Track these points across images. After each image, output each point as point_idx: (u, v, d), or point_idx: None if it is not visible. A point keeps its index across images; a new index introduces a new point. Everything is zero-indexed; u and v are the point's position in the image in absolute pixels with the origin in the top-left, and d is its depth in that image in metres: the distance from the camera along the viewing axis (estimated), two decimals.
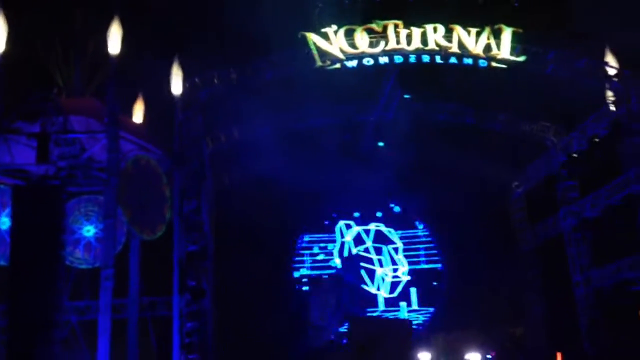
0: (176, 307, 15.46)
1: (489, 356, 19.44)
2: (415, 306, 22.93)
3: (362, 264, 23.12)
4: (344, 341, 17.72)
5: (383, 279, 23.03)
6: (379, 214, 23.67)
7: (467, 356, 18.31)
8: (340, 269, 22.48)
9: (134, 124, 16.63)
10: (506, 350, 19.52)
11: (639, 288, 17.14)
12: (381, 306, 22.70)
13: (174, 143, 16.00)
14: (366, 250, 23.37)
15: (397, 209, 23.27)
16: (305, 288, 21.95)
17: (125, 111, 16.18)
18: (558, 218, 20.42)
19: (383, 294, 22.92)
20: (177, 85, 16.13)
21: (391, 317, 21.28)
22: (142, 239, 15.69)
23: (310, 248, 22.86)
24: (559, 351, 16.36)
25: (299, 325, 19.04)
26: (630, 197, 17.08)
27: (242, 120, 19.22)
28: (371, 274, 23.09)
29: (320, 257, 22.86)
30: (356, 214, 23.48)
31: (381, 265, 23.22)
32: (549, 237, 21.14)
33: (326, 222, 23.22)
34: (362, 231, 23.43)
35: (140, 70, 16.18)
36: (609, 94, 17.80)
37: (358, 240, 23.42)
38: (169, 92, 16.05)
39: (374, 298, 22.86)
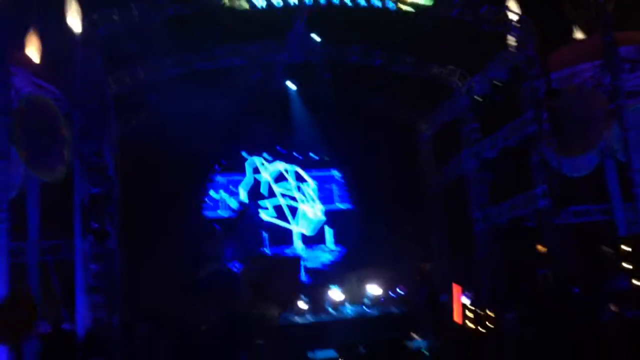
0: (79, 249, 15.33)
1: (399, 290, 20.19)
2: (331, 246, 23.42)
3: (283, 201, 23.30)
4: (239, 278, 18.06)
5: (304, 217, 23.34)
6: (293, 154, 23.74)
7: (370, 289, 19.01)
8: (249, 207, 22.52)
9: (31, 62, 15.91)
10: (416, 285, 20.27)
11: (531, 224, 18.16)
12: (299, 245, 22.99)
13: (74, 83, 15.51)
14: (286, 188, 23.54)
15: (308, 149, 23.30)
16: (215, 227, 21.88)
17: (21, 49, 15.47)
18: (461, 159, 21.22)
19: (304, 231, 23.22)
20: (75, 22, 15.49)
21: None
22: (42, 181, 15.31)
23: (222, 188, 22.80)
24: (459, 284, 17.26)
25: (206, 264, 19.18)
26: (526, 138, 17.89)
27: (147, 61, 18.71)
28: (293, 211, 23.32)
29: (231, 196, 22.79)
30: (266, 155, 23.45)
31: (311, 201, 23.52)
32: (454, 178, 21.97)
33: (237, 162, 23.10)
34: (283, 169, 23.53)
35: (35, 4, 15.42)
36: (510, 39, 18.34)
37: (278, 178, 23.51)
38: (67, 30, 15.42)
39: (290, 236, 23.10)
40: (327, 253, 23.30)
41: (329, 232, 23.53)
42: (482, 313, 15.33)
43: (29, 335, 12.56)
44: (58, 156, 15.38)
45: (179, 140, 19.08)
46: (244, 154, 23.16)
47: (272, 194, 23.36)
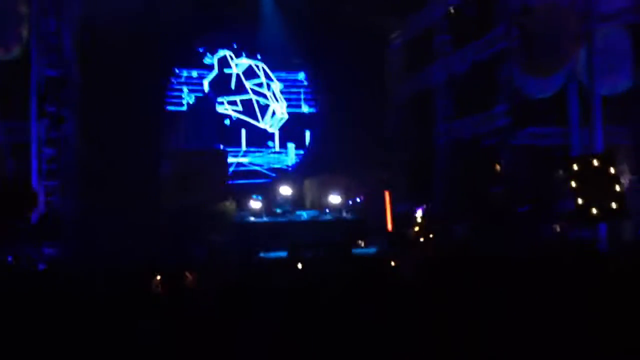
0: (34, 133, 15.12)
1: (358, 199, 20.36)
2: (293, 148, 23.39)
3: (254, 97, 23.01)
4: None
5: (273, 116, 23.17)
6: (261, 53, 23.21)
7: (329, 197, 19.21)
8: (210, 99, 22.18)
9: None
10: (374, 194, 20.54)
11: (491, 142, 18.33)
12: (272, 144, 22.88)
13: None
14: (259, 84, 23.18)
15: (276, 49, 22.73)
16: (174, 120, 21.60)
17: None
18: (431, 71, 21.03)
19: (270, 129, 23.09)
20: None
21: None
22: None
23: (186, 83, 22.34)
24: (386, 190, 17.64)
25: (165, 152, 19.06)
26: (496, 54, 17.71)
27: None
28: (262, 109, 23.08)
29: (191, 93, 22.38)
30: (226, 52, 22.86)
31: (277, 101, 23.29)
32: (421, 89, 21.82)
33: (203, 55, 22.52)
34: (254, 64, 23.06)
35: None
36: None
37: (248, 73, 23.08)
38: None
39: (263, 136, 22.98)
40: (288, 156, 23.34)
41: (293, 135, 23.45)
42: (434, 224, 15.81)
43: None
44: (15, 33, 14.84)
45: (145, 25, 18.45)
46: (208, 48, 22.49)
47: (241, 89, 22.95)
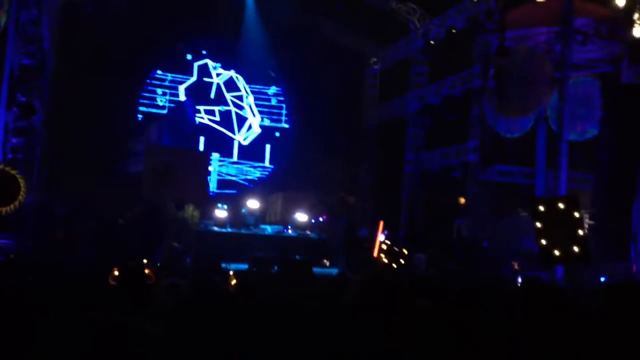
0: (1, 121, 14.77)
1: (320, 219, 20.36)
2: (263, 163, 23.37)
3: (234, 108, 22.94)
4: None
5: (249, 129, 23.14)
6: (238, 64, 23.21)
7: (296, 215, 19.21)
8: (185, 106, 22.03)
9: None
10: (336, 216, 20.59)
11: (458, 175, 18.71)
12: (235, 154, 22.82)
13: None
14: (239, 97, 23.14)
15: (253, 61, 22.76)
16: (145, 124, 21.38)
17: None
18: (405, 100, 21.38)
19: (245, 143, 23.05)
20: None
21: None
22: None
23: (161, 85, 22.18)
24: (381, 219, 17.77)
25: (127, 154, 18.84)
26: (470, 90, 18.14)
27: None
28: (240, 121, 23.00)
29: (164, 95, 22.22)
30: (207, 60, 22.83)
31: (253, 115, 23.26)
32: (393, 117, 22.19)
33: (182, 61, 22.42)
34: (235, 76, 23.02)
35: None
36: None
37: (229, 85, 23.02)
38: None
39: (228, 144, 22.87)
40: (257, 169, 23.31)
41: (267, 149, 23.44)
42: (397, 250, 15.94)
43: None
44: None
45: (125, 23, 18.32)
46: (188, 55, 22.42)
47: (221, 99, 22.88)
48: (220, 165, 22.60)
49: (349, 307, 4.10)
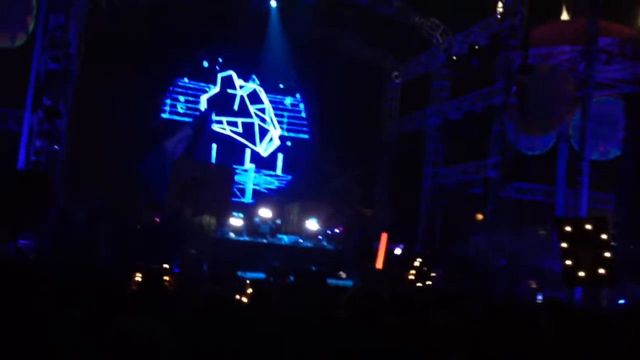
0: (26, 123, 15.00)
1: (337, 230, 20.36)
2: (279, 172, 23.43)
3: (257, 120, 23.07)
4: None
5: (271, 140, 23.25)
6: (260, 74, 23.33)
7: (306, 223, 19.25)
8: (206, 116, 22.16)
9: None
10: (352, 228, 20.58)
11: (477, 191, 18.62)
12: (249, 164, 22.90)
13: None
14: (262, 110, 23.28)
15: (274, 72, 22.85)
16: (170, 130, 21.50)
17: None
18: (425, 114, 21.37)
19: (265, 154, 23.16)
20: None
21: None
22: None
23: (184, 93, 22.36)
24: (390, 233, 17.74)
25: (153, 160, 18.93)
26: (491, 107, 18.09)
27: None
28: (262, 133, 23.14)
29: (185, 103, 22.37)
30: (231, 72, 22.98)
31: (274, 127, 23.41)
32: (413, 131, 22.16)
33: (206, 70, 22.58)
34: (258, 88, 23.17)
35: None
36: (499, 5, 18.24)
37: (253, 97, 23.18)
38: None
39: (241, 153, 22.97)
40: (274, 179, 23.37)
41: (280, 159, 23.51)
42: (426, 270, 15.87)
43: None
44: (21, 23, 14.78)
45: (150, 31, 18.51)
46: (205, 63, 22.56)
47: (245, 111, 23.04)
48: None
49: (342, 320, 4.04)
